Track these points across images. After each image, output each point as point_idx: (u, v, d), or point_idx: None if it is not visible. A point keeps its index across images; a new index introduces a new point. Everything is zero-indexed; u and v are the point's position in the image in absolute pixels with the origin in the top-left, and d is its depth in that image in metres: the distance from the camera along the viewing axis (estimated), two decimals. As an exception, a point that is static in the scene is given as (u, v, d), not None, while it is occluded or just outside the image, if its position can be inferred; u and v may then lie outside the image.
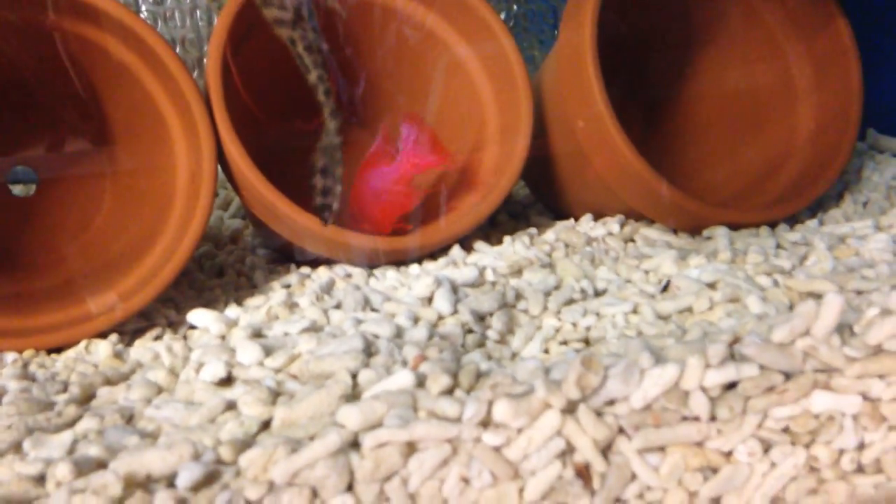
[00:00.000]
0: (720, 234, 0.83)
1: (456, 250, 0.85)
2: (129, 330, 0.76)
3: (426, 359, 0.57)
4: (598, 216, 0.94)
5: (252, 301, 0.79)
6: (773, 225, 0.88)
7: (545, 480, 0.49)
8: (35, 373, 0.65)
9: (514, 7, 1.33)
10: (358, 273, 0.82)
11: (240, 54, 0.84)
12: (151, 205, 0.83)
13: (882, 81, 1.09)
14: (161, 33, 0.79)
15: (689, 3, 0.97)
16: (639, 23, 0.98)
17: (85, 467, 0.48)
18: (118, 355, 0.68)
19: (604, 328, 0.69)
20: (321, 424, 0.50)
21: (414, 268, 0.83)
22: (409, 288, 0.75)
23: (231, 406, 0.54)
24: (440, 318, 0.69)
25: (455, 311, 0.70)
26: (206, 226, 0.78)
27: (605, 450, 0.50)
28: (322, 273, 0.83)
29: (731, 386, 0.52)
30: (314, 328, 0.65)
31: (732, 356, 0.52)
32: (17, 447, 0.52)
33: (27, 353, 0.70)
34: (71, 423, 0.55)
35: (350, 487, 0.47)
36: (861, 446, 0.53)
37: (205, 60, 1.26)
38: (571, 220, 0.94)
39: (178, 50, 1.22)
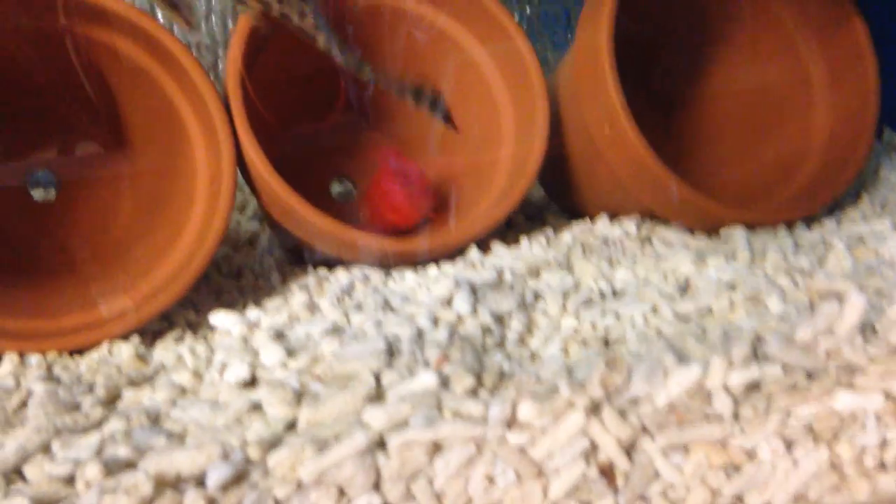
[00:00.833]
0: (738, 234, 0.83)
1: (473, 252, 0.85)
2: (150, 331, 0.76)
3: (448, 359, 0.57)
4: (613, 216, 0.94)
5: (271, 303, 0.80)
6: (790, 225, 0.88)
7: (569, 479, 0.49)
8: (60, 375, 0.65)
9: (528, 9, 1.34)
10: (376, 275, 0.83)
11: (258, 58, 0.85)
12: (172, 208, 0.83)
13: (898, 80, 1.08)
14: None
15: (705, 3, 0.97)
16: (655, 23, 0.98)
17: (114, 467, 0.48)
18: (141, 357, 0.69)
19: (623, 329, 0.69)
20: (346, 424, 0.50)
21: (432, 269, 0.83)
22: (428, 289, 0.75)
23: (256, 407, 0.55)
24: (460, 319, 0.69)
25: (474, 312, 0.70)
26: (226, 228, 0.79)
27: (629, 449, 0.50)
28: (340, 275, 0.83)
29: (755, 385, 0.52)
30: (336, 329, 0.66)
31: (755, 355, 0.52)
32: (45, 448, 0.53)
33: (50, 356, 0.70)
34: (98, 425, 0.56)
35: (377, 486, 0.47)
36: (883, 444, 0.53)
37: (220, 65, 1.27)
38: (588, 221, 0.95)
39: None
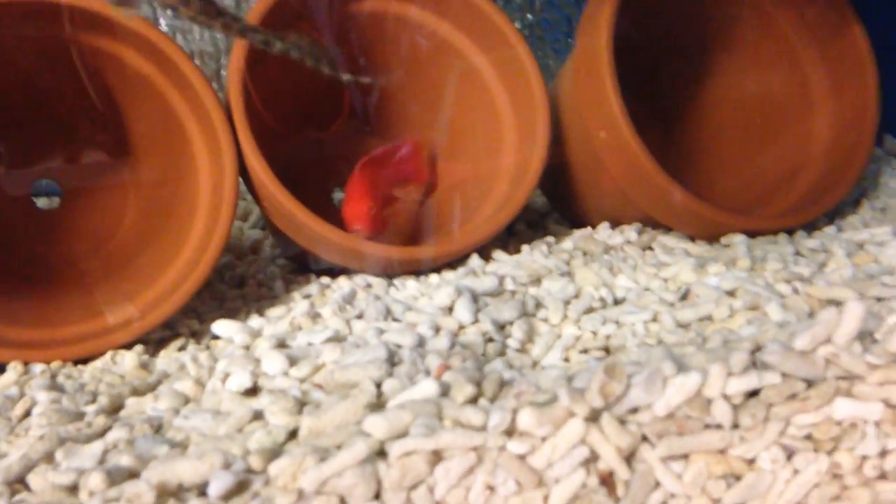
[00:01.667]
0: (738, 241, 0.83)
1: (474, 259, 0.85)
2: (154, 340, 0.77)
3: (449, 368, 0.58)
4: (615, 224, 0.94)
5: (273, 311, 0.80)
6: (790, 232, 0.89)
7: (569, 488, 0.49)
8: (63, 384, 0.66)
9: (529, 16, 1.34)
10: (378, 283, 0.83)
11: (261, 67, 0.85)
12: (174, 216, 0.84)
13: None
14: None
15: (704, 11, 0.98)
16: (655, 31, 0.98)
17: (117, 477, 0.49)
18: (144, 366, 0.69)
19: (624, 336, 0.69)
20: (347, 433, 0.50)
21: (434, 277, 0.83)
22: (430, 297, 0.75)
23: (258, 416, 0.55)
24: (461, 327, 0.70)
25: (476, 321, 0.70)
26: (229, 237, 0.79)
27: (629, 457, 0.51)
28: (342, 283, 0.84)
29: (754, 393, 0.52)
30: (337, 338, 0.66)
31: (754, 364, 0.52)
32: (49, 457, 0.53)
33: (54, 365, 0.71)
34: (101, 434, 0.56)
35: (377, 496, 0.47)
36: (883, 453, 0.53)
37: (223, 73, 1.27)
38: (589, 229, 0.95)
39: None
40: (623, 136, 0.83)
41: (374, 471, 0.47)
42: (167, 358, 0.71)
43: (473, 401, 0.53)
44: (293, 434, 0.53)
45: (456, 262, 0.87)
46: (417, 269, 0.85)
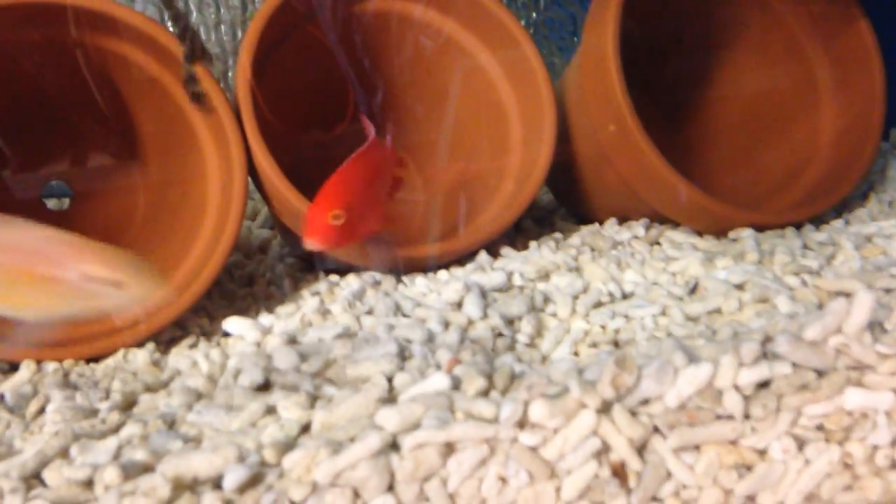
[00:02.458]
0: (746, 235, 0.83)
1: (483, 256, 0.86)
2: (165, 339, 0.77)
3: (460, 362, 0.58)
4: (622, 220, 0.94)
5: (283, 309, 0.81)
6: (798, 226, 0.89)
7: (581, 479, 0.50)
8: (76, 381, 0.66)
9: (534, 15, 1.34)
10: (387, 280, 0.83)
11: (268, 68, 0.86)
12: (184, 216, 0.84)
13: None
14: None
15: (710, 6, 0.98)
16: (660, 27, 0.98)
17: (132, 471, 0.49)
18: (156, 363, 0.70)
19: (633, 330, 0.69)
20: (360, 427, 0.51)
21: (442, 274, 0.84)
22: (439, 293, 0.76)
23: (271, 410, 0.56)
24: (470, 322, 0.70)
25: (485, 316, 0.71)
26: (238, 236, 0.80)
27: (641, 449, 0.51)
28: (351, 280, 0.84)
29: (765, 384, 0.52)
30: (348, 334, 0.67)
31: (765, 355, 0.52)
32: (64, 453, 0.53)
33: (67, 363, 0.71)
34: (115, 429, 0.57)
35: (391, 488, 0.48)
36: (895, 442, 0.53)
37: (230, 74, 1.28)
38: (596, 225, 0.95)
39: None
40: (630, 132, 0.84)
41: (388, 463, 0.47)
42: (179, 355, 0.71)
43: (485, 393, 0.54)
44: (306, 428, 0.54)
45: (464, 258, 0.87)
46: (425, 267, 0.86)
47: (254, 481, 0.46)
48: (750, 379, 0.51)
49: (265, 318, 0.75)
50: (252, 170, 0.81)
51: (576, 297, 0.75)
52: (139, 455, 0.51)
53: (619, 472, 0.51)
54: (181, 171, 0.86)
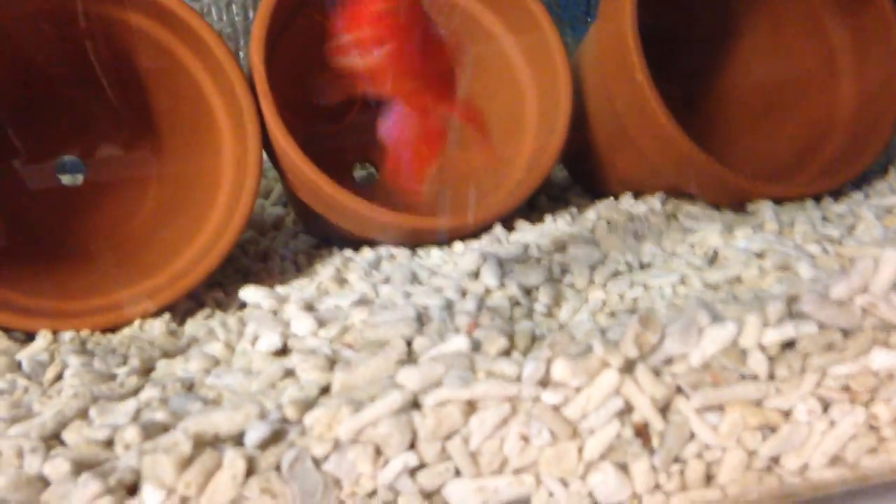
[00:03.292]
0: (765, 206, 0.82)
1: (498, 229, 0.85)
2: (180, 311, 0.77)
3: (479, 325, 0.57)
4: (638, 194, 0.93)
5: (298, 282, 0.80)
6: (817, 199, 0.88)
7: (604, 439, 0.49)
8: (93, 349, 0.66)
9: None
10: (402, 252, 0.83)
11: (280, 45, 0.85)
12: (199, 189, 0.84)
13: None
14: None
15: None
16: (676, 3, 0.97)
17: (152, 431, 0.49)
18: (172, 332, 0.70)
19: (651, 299, 0.68)
20: (380, 387, 0.50)
21: (458, 246, 0.83)
22: (455, 263, 0.75)
23: (289, 373, 0.55)
24: (487, 291, 0.70)
25: (502, 285, 0.70)
26: (253, 209, 0.79)
27: (664, 409, 0.50)
28: (366, 253, 0.84)
29: (790, 344, 0.52)
30: (365, 301, 0.66)
31: (790, 314, 0.52)
32: (83, 414, 0.53)
33: (83, 333, 0.71)
34: (134, 393, 0.56)
35: (412, 445, 0.47)
36: (922, 404, 0.52)
37: (241, 54, 1.28)
38: (612, 199, 0.94)
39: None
40: (648, 104, 0.83)
41: (409, 421, 0.47)
42: (195, 324, 0.71)
43: (506, 353, 0.53)
44: (325, 390, 0.53)
45: (479, 232, 0.86)
46: (439, 239, 0.85)
47: (275, 438, 0.46)
48: (775, 338, 0.51)
49: (281, 289, 0.75)
50: (267, 145, 0.81)
51: (593, 268, 0.74)
52: (159, 416, 0.51)
53: (642, 433, 0.50)
54: (196, 146, 0.86)
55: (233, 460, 0.45)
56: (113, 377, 0.59)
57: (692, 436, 0.50)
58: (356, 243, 0.88)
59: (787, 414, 0.51)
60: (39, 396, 0.59)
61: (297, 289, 0.74)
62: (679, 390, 0.50)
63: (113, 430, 0.50)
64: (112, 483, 0.44)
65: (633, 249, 0.77)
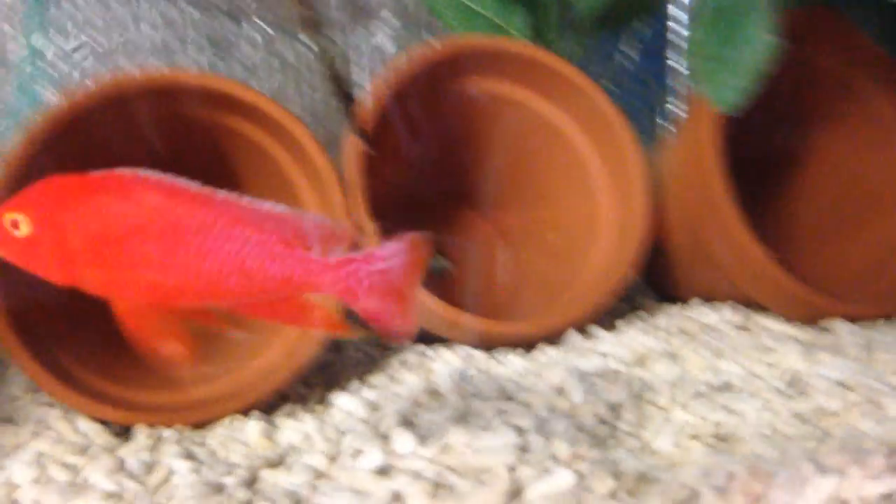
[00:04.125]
0: (841, 327, 0.83)
1: (574, 336, 0.87)
2: (266, 405, 0.79)
3: (581, 457, 0.59)
4: (706, 300, 0.95)
5: (375, 379, 0.82)
6: (888, 318, 0.89)
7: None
8: (195, 451, 0.68)
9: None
10: (479, 356, 0.85)
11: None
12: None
13: None
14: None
15: (804, 95, 1.00)
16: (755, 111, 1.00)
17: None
18: (268, 435, 0.71)
19: (734, 425, 0.70)
20: (490, 522, 0.52)
21: (536, 353, 0.85)
22: (538, 375, 0.77)
23: (397, 497, 0.57)
24: (574, 408, 0.71)
25: (587, 402, 0.72)
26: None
27: (768, 558, 0.51)
28: (444, 353, 0.85)
29: (888, 496, 0.53)
30: (462, 417, 0.68)
31: (891, 467, 0.53)
32: (199, 531, 0.55)
33: (178, 428, 0.73)
34: (245, 507, 0.58)
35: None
36: None
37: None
38: (680, 305, 0.96)
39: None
40: (725, 215, 0.85)
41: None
42: (287, 428, 0.72)
43: (613, 495, 0.55)
44: (433, 518, 0.55)
45: (554, 338, 0.88)
46: (516, 344, 0.87)
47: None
48: (876, 491, 0.52)
49: (369, 393, 0.77)
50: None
51: (674, 386, 0.75)
52: (276, 537, 0.52)
53: (747, 581, 0.51)
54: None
55: None
56: (221, 488, 0.61)
57: (793, 585, 0.51)
58: (427, 339, 0.90)
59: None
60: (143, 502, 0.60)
61: (387, 395, 0.76)
62: (784, 540, 0.52)
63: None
64: None
65: (713, 367, 0.79)
